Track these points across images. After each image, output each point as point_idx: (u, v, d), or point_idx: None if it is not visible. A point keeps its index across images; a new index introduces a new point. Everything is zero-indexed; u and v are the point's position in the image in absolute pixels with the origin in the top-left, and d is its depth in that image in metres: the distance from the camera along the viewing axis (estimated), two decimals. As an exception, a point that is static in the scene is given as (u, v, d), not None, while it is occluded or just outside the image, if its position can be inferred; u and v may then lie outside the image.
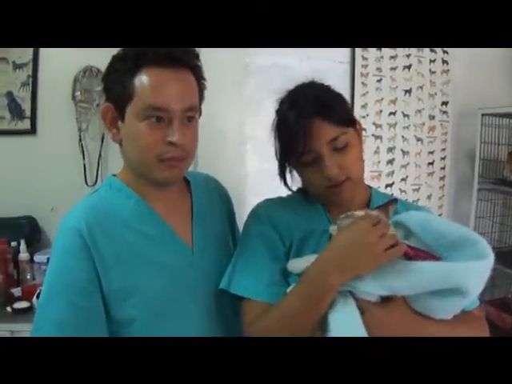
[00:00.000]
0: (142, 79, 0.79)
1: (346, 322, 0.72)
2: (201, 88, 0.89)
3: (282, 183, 0.96)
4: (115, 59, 0.84)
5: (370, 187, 1.01)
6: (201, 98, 0.90)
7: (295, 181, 0.98)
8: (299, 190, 1.01)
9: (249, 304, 0.84)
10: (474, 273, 0.71)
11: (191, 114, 0.84)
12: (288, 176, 0.96)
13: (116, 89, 0.82)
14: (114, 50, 0.84)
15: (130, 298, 0.82)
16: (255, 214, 0.96)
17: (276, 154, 0.94)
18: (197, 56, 0.87)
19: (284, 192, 1.01)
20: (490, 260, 0.71)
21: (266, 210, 0.96)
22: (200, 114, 0.92)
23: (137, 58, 0.80)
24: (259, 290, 0.84)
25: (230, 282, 0.87)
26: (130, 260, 0.83)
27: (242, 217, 1.01)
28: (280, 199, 1.00)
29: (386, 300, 0.75)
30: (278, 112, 0.92)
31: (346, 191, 0.87)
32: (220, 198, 1.08)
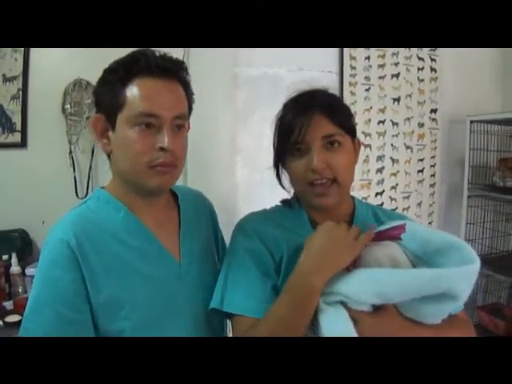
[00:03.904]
0: (133, 88, 0.82)
1: (339, 333, 0.72)
2: (189, 100, 0.91)
3: (275, 175, 0.97)
4: (106, 72, 0.86)
5: (352, 197, 1.01)
6: (189, 109, 0.92)
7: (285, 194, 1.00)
8: (283, 201, 1.01)
9: (240, 320, 0.84)
10: (463, 277, 0.73)
11: (180, 122, 0.86)
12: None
13: (107, 99, 0.84)
14: (105, 63, 0.86)
15: (118, 310, 0.82)
16: (241, 229, 0.95)
17: (273, 145, 0.95)
18: (186, 69, 0.89)
19: (274, 203, 1.02)
20: (477, 264, 0.73)
21: (253, 224, 0.94)
22: (188, 128, 0.94)
23: (128, 69, 0.82)
24: (253, 307, 0.83)
25: (221, 300, 0.86)
26: (118, 272, 0.83)
27: (231, 228, 1.00)
28: (265, 212, 1.00)
29: (377, 309, 0.76)
30: (283, 107, 0.94)
31: (330, 197, 0.88)
32: (205, 213, 1.09)
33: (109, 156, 0.90)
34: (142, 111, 0.81)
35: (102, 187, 0.94)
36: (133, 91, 0.82)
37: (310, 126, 0.86)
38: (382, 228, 0.83)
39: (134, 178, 0.85)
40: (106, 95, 0.84)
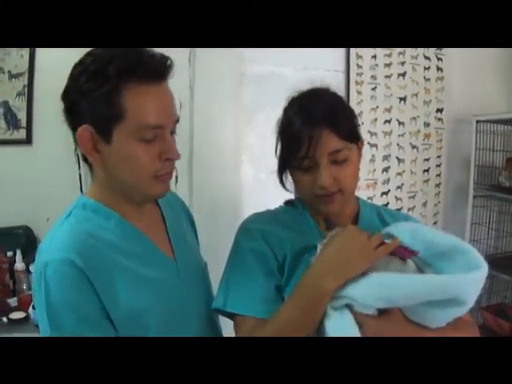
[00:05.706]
0: (133, 96, 0.74)
1: (344, 336, 0.72)
2: None
3: (279, 181, 0.95)
4: (87, 73, 0.75)
5: (357, 198, 1.00)
6: None
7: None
8: (287, 201, 1.00)
9: (243, 320, 0.83)
10: (471, 283, 0.72)
11: (175, 127, 0.83)
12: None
13: (98, 109, 0.74)
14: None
15: (137, 321, 0.79)
16: (245, 229, 0.94)
17: (276, 151, 0.93)
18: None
19: (279, 203, 1.01)
20: (485, 269, 0.72)
21: (256, 224, 0.93)
22: None
23: (123, 72, 0.74)
24: (256, 308, 0.82)
25: (224, 301, 0.86)
26: (126, 282, 0.79)
27: (235, 228, 0.97)
28: (269, 212, 0.99)
29: (382, 312, 0.75)
30: (285, 111, 0.91)
31: (335, 203, 0.87)
32: (180, 209, 1.08)
33: (89, 163, 0.84)
34: (149, 124, 0.75)
35: (83, 195, 0.88)
36: (133, 101, 0.74)
37: (318, 142, 0.83)
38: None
39: (136, 188, 0.81)
40: (95, 104, 0.74)
